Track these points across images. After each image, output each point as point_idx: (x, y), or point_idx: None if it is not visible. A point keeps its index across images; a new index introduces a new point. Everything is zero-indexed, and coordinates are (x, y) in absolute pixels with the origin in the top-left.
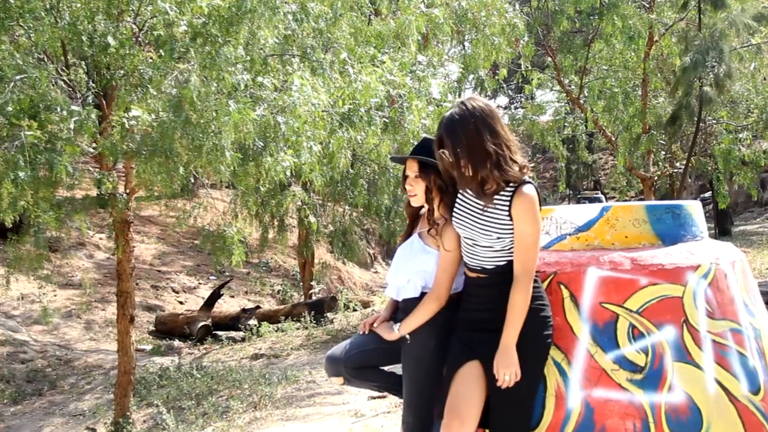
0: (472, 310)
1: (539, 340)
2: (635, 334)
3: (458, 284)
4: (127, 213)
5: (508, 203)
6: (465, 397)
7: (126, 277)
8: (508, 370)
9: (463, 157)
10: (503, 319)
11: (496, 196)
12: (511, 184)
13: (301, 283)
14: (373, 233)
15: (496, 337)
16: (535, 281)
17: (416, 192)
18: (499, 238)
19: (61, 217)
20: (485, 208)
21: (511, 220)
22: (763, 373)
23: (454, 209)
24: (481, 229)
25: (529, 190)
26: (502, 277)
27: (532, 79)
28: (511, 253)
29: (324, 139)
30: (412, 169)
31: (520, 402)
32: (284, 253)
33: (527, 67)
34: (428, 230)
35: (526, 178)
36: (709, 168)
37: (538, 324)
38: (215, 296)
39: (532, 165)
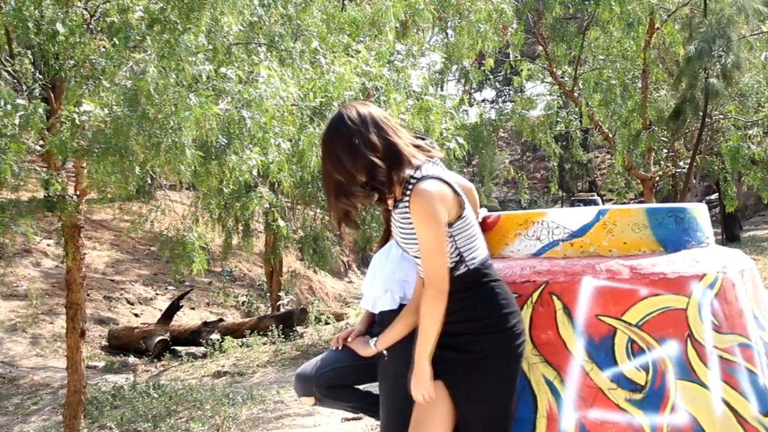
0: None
1: (504, 354)
2: (635, 350)
3: None
4: (77, 217)
5: (407, 207)
6: (427, 422)
7: (76, 287)
8: (419, 390)
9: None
10: (464, 336)
11: (400, 205)
12: (409, 189)
13: (268, 294)
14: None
15: (455, 357)
16: (496, 287)
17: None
18: (420, 249)
19: (4, 222)
20: (396, 222)
21: None
22: None
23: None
24: (404, 244)
25: (424, 186)
26: (452, 288)
27: (522, 70)
28: (451, 262)
29: (293, 135)
30: None
31: (491, 426)
32: (250, 261)
33: (516, 56)
34: None
35: (425, 171)
36: (716, 167)
37: (500, 337)
38: (174, 308)
39: (521, 164)
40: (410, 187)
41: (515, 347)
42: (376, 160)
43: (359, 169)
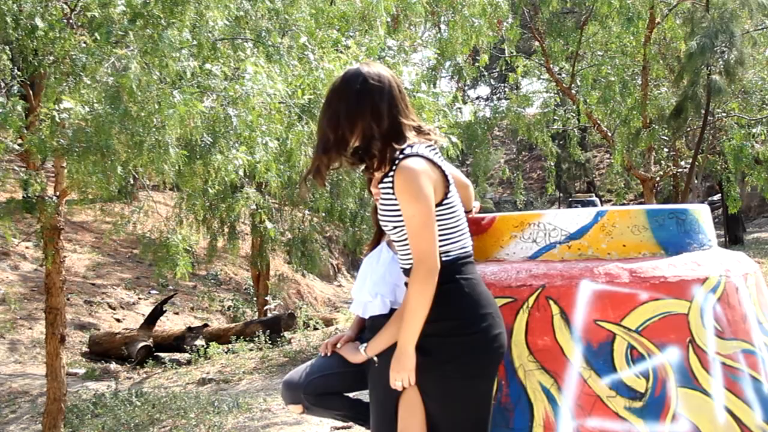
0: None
1: (472, 359)
2: (634, 356)
3: None
4: (57, 218)
5: (391, 182)
6: (410, 429)
7: (56, 292)
8: (399, 375)
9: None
10: (432, 338)
11: (385, 180)
12: (395, 165)
13: (255, 298)
14: (337, 241)
15: (424, 360)
16: (466, 285)
17: None
18: (395, 228)
19: None
20: (380, 198)
21: None
22: None
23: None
24: (383, 221)
25: (409, 162)
26: None
27: (518, 67)
28: None
29: (281, 134)
30: None
31: None
32: (236, 264)
33: (511, 52)
34: None
35: (416, 150)
36: (719, 167)
37: (468, 340)
38: (157, 313)
39: (516, 164)
40: (396, 162)
41: (486, 352)
42: (376, 133)
43: (356, 134)
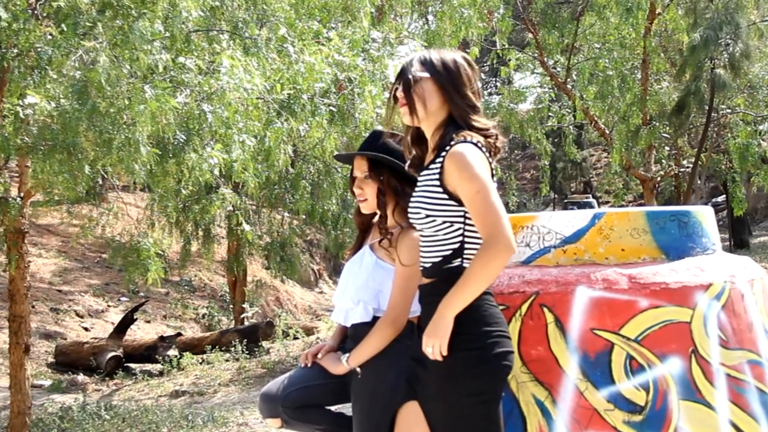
0: (421, 332)
1: (476, 375)
2: (634, 367)
3: (418, 306)
4: (21, 221)
5: (439, 168)
6: None
7: (20, 299)
8: (431, 340)
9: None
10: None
11: (432, 165)
12: (445, 150)
13: (231, 306)
14: (318, 245)
15: (425, 375)
16: (482, 296)
17: (366, 196)
18: (428, 216)
19: None
20: (418, 187)
21: (444, 191)
22: None
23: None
24: (414, 209)
25: (459, 147)
26: (439, 286)
27: (510, 60)
28: (446, 243)
29: (259, 131)
30: (361, 168)
31: None
32: (211, 270)
33: (503, 45)
34: (380, 241)
35: (467, 139)
36: (723, 167)
37: (472, 356)
38: (127, 321)
39: (509, 163)
40: (447, 148)
41: (493, 367)
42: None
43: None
